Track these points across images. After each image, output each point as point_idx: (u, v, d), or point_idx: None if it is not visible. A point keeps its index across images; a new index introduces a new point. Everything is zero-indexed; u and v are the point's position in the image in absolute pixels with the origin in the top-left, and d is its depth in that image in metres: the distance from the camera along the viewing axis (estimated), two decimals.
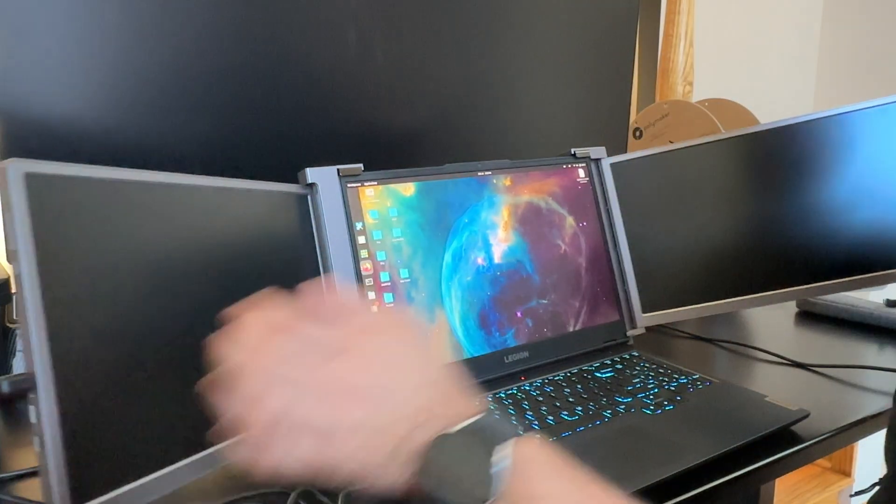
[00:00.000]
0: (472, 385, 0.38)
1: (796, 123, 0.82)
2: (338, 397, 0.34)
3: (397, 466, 0.34)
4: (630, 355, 0.82)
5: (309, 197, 0.70)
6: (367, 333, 0.37)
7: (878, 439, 0.62)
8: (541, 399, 0.72)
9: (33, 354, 0.44)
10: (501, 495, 0.33)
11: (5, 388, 0.43)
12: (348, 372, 0.35)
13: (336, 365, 0.35)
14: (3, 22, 0.67)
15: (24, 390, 0.43)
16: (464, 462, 0.33)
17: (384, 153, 0.89)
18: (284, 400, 0.33)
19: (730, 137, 0.85)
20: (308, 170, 0.70)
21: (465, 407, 0.36)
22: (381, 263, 0.72)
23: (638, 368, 0.78)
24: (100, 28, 0.72)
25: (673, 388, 0.73)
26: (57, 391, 0.44)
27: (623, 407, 0.69)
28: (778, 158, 0.83)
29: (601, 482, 0.36)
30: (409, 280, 0.73)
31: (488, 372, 0.76)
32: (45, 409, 0.44)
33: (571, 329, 0.83)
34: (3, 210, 0.45)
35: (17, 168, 0.45)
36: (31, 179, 0.46)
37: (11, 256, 0.44)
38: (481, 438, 0.34)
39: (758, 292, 0.83)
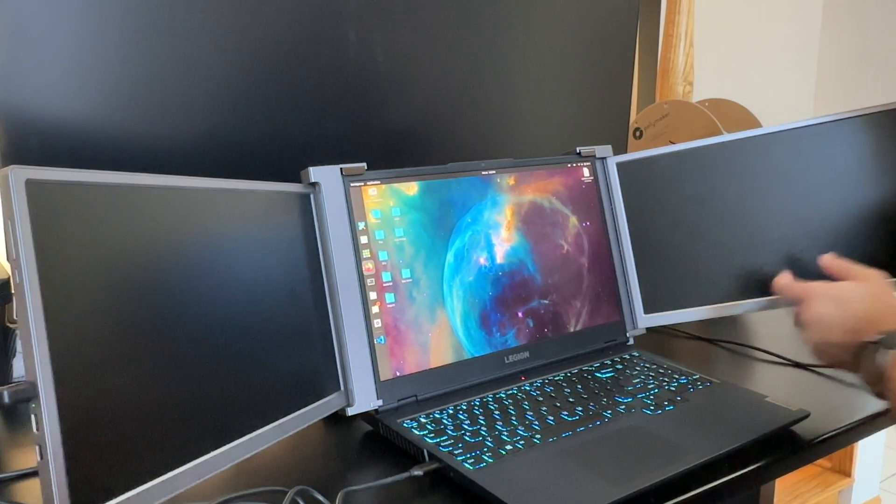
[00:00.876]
0: None
1: (812, 125, 0.81)
2: (832, 319, 0.66)
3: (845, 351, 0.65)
4: (630, 355, 0.82)
5: (311, 196, 0.70)
6: (859, 288, 0.68)
7: (878, 439, 0.62)
8: (541, 399, 0.72)
9: (34, 363, 0.44)
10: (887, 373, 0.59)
11: (6, 398, 0.43)
12: (839, 306, 0.66)
13: (839, 305, 0.67)
14: (3, 23, 0.67)
15: (24, 400, 0.43)
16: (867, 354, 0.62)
17: (386, 153, 0.89)
18: (818, 316, 0.67)
19: (735, 140, 0.84)
20: (311, 169, 0.70)
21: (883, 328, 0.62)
22: (383, 263, 0.72)
23: (638, 369, 0.79)
24: (100, 30, 0.72)
25: (673, 389, 0.73)
26: (58, 400, 0.44)
27: (623, 407, 0.69)
28: (786, 161, 0.83)
29: None
30: (410, 280, 0.73)
31: (489, 372, 0.76)
32: (46, 419, 0.44)
33: (572, 329, 0.83)
34: (4, 217, 0.45)
35: (19, 175, 0.45)
36: (32, 186, 0.45)
37: (14, 265, 0.44)
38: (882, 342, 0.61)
39: (763, 296, 0.81)
